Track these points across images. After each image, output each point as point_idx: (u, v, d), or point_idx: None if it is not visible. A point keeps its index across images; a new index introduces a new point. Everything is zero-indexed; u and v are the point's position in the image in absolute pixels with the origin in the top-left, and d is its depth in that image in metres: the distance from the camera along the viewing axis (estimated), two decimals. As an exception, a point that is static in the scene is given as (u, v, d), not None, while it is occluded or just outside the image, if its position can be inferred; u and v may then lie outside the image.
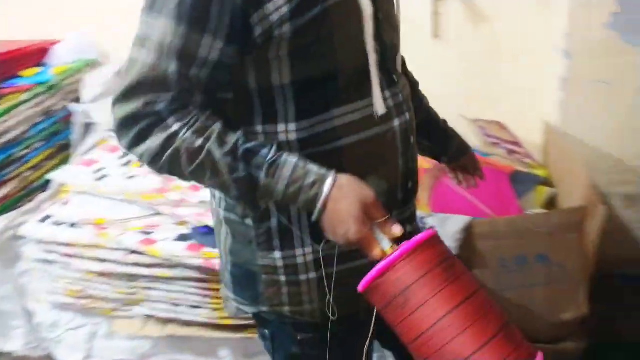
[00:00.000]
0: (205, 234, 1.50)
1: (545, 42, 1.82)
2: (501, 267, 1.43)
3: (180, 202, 1.60)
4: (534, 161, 1.82)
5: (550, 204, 1.67)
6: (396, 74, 0.89)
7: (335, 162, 0.80)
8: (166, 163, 0.75)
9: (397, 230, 0.75)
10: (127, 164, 1.79)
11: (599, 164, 1.73)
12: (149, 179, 1.67)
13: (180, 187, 1.62)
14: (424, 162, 1.65)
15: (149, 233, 1.54)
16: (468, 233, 1.40)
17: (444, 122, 1.15)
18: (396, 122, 0.86)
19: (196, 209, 1.58)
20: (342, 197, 0.74)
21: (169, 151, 0.73)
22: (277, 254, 0.86)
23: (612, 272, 1.66)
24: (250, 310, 0.94)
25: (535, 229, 1.42)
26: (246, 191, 0.76)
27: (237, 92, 0.81)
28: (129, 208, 1.63)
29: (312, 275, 0.87)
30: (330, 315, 0.83)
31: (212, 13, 0.71)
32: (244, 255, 0.89)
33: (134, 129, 0.74)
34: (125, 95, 0.74)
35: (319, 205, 0.74)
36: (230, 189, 0.76)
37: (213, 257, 1.43)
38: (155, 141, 0.73)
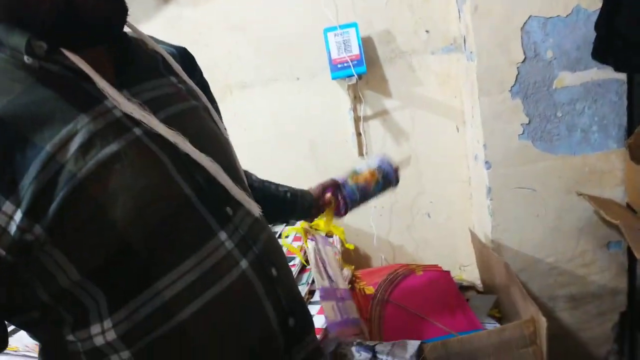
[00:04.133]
0: None
1: (462, 154, 1.92)
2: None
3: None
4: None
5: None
6: (230, 206, 0.75)
7: (178, 344, 0.67)
8: None
9: None
10: None
11: (535, 269, 1.76)
12: None
13: None
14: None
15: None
16: (420, 359, 1.36)
17: (288, 190, 1.22)
18: (244, 264, 0.72)
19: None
20: None
21: None
22: None
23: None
24: None
25: (489, 347, 1.40)
26: None
27: (36, 308, 0.66)
28: None
29: None
30: None
31: None
32: None
33: None
34: None
35: None
36: None
37: None
38: None
